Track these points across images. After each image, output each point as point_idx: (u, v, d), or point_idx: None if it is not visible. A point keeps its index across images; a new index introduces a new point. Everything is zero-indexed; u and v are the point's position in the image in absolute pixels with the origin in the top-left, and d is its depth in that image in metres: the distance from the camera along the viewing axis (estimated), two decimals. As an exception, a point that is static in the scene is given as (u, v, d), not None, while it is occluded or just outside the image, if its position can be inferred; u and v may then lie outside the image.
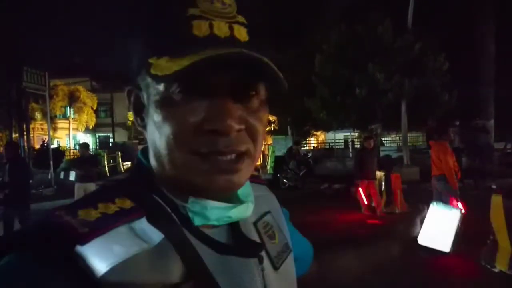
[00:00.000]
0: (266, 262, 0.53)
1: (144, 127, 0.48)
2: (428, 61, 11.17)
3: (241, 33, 0.44)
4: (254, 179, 0.64)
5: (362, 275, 3.93)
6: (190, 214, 0.46)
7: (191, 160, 0.43)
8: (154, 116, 0.44)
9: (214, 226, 0.48)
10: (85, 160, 6.83)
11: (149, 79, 0.44)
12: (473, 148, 11.57)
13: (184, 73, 0.39)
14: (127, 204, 0.44)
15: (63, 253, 0.38)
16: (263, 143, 0.50)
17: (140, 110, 0.49)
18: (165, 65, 0.40)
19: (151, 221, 0.44)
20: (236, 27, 0.43)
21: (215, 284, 0.44)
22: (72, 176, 6.81)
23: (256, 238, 0.54)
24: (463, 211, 4.81)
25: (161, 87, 0.43)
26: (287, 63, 12.57)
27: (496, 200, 4.09)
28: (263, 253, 0.52)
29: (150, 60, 0.42)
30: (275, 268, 0.54)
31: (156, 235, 0.43)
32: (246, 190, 0.53)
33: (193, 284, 0.42)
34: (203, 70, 0.40)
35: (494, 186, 5.81)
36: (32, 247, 0.38)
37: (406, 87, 10.85)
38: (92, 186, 6.59)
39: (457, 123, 12.66)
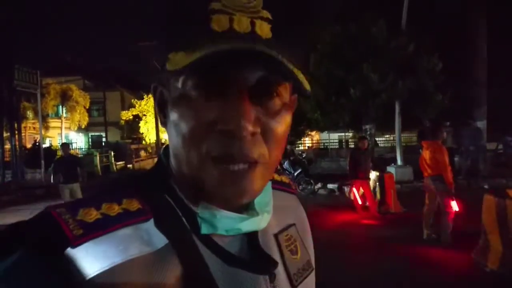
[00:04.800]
0: (283, 278, 0.50)
1: (166, 124, 0.47)
2: (421, 61, 11.25)
3: (263, 29, 0.41)
4: (284, 188, 0.62)
5: (356, 275, 3.94)
6: (199, 221, 0.45)
7: (204, 162, 0.42)
8: (172, 113, 0.44)
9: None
10: (65, 160, 6.80)
11: (170, 78, 0.45)
12: (466, 148, 11.69)
13: (196, 68, 0.38)
14: (134, 205, 0.44)
15: (56, 254, 0.38)
16: (284, 147, 0.47)
17: (163, 106, 0.48)
18: (178, 60, 0.39)
19: (158, 224, 0.43)
20: (258, 22, 0.41)
21: None
22: (52, 177, 6.74)
23: (275, 251, 0.52)
24: (458, 210, 4.84)
25: (179, 84, 0.43)
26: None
27: (488, 200, 4.12)
28: (280, 269, 0.50)
29: (169, 55, 0.42)
30: (293, 286, 0.52)
31: (160, 240, 0.42)
32: (264, 199, 0.50)
33: None
34: (218, 65, 0.39)
35: (486, 186, 5.85)
36: (28, 245, 0.38)
37: (399, 87, 10.92)
38: (77, 187, 6.57)
39: (448, 123, 12.77)
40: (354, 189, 7.10)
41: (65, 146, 7.24)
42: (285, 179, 0.65)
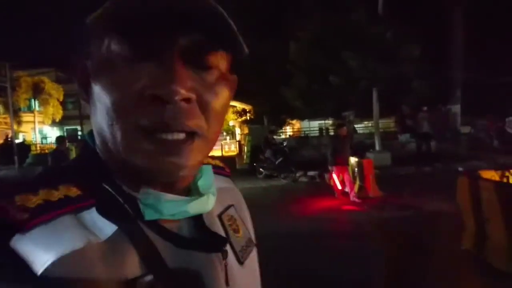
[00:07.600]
0: (230, 256, 0.51)
1: (88, 101, 0.43)
2: (399, 48, 11.38)
3: None
4: (219, 171, 0.62)
5: (337, 260, 3.99)
6: (141, 207, 0.42)
7: (133, 136, 0.38)
8: (95, 86, 0.40)
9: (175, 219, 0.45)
10: (61, 152, 6.66)
11: (92, 45, 0.41)
12: (441, 133, 12.03)
13: (116, 17, 0.35)
14: (73, 191, 0.40)
15: (1, 242, 0.34)
16: (222, 124, 0.45)
17: (86, 81, 0.43)
18: (97, 12, 0.36)
19: (101, 212, 0.40)
20: None
21: (174, 279, 0.41)
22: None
23: (220, 231, 0.51)
24: None
25: (102, 48, 0.39)
26: (264, 52, 12.53)
27: (462, 182, 4.24)
28: (227, 247, 0.50)
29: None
30: (240, 262, 0.52)
31: (108, 227, 0.39)
32: (207, 181, 0.49)
33: (152, 278, 0.39)
34: (147, 24, 0.35)
35: (460, 169, 6.05)
36: None
37: (378, 74, 11.04)
38: None
39: (425, 108, 13.08)
40: (334, 175, 7.19)
41: (62, 139, 7.06)
42: (218, 162, 0.64)
